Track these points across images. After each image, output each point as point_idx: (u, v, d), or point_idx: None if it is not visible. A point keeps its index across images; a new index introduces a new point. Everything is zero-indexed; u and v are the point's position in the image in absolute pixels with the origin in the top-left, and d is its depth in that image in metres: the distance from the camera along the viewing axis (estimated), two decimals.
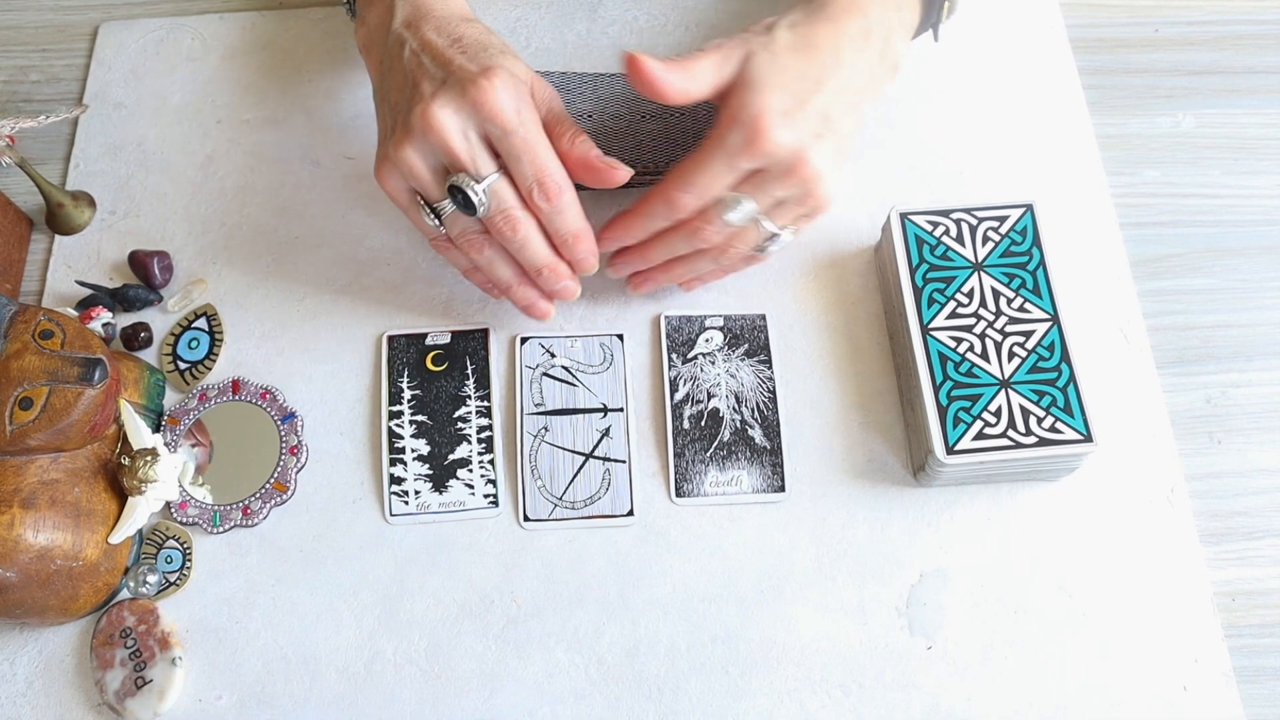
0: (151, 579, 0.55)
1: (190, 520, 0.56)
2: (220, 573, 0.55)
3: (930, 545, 0.55)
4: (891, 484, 0.57)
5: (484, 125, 0.50)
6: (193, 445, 0.58)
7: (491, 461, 0.57)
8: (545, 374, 0.59)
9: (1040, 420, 0.52)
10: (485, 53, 0.51)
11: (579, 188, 0.60)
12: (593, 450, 0.57)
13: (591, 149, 0.52)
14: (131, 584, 0.55)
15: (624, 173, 0.52)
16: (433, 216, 0.53)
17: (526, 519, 0.56)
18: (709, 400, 0.58)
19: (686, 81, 0.50)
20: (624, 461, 0.57)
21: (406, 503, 0.56)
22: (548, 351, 0.60)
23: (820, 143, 0.51)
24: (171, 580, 0.55)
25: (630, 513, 0.56)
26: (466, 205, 0.51)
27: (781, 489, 0.56)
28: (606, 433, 0.58)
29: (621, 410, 0.58)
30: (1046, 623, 0.53)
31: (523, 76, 0.51)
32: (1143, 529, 0.55)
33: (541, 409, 0.58)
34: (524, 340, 0.60)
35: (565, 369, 0.59)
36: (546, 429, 0.58)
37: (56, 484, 0.52)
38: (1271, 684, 0.53)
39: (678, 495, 0.56)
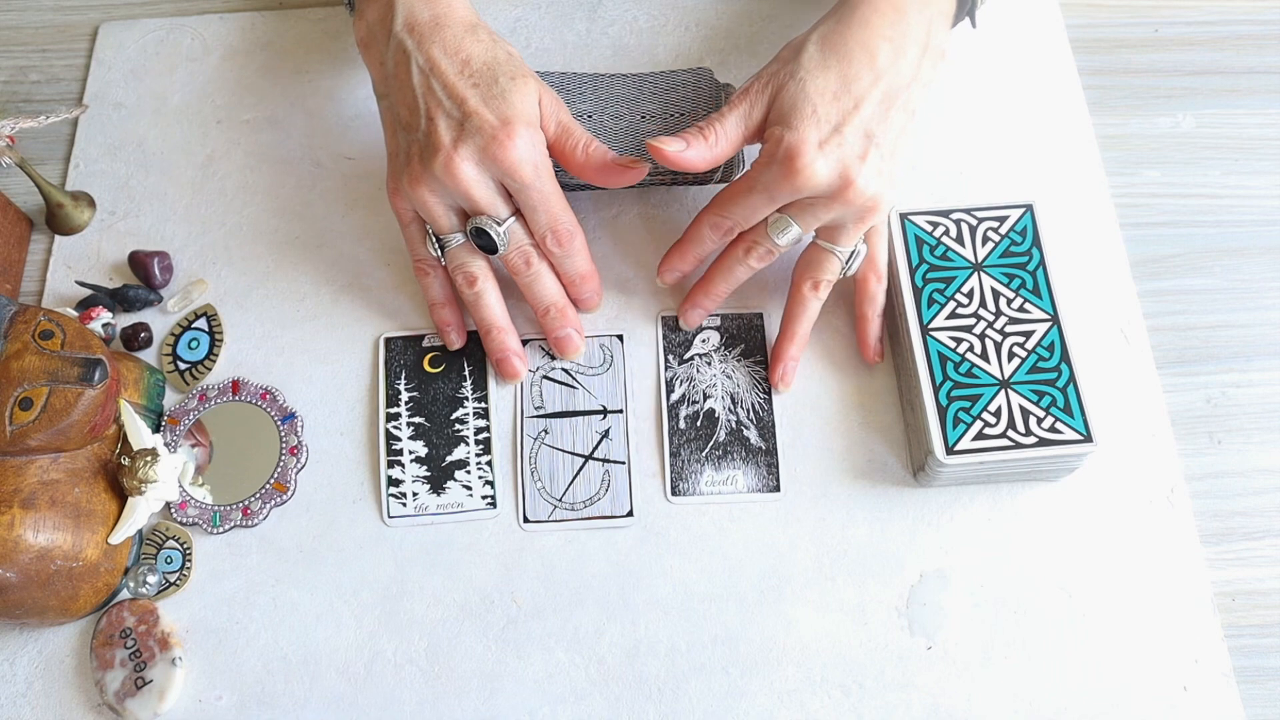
0: (151, 579, 0.55)
1: (190, 520, 0.56)
2: (220, 573, 0.55)
3: (930, 545, 0.55)
4: (891, 484, 0.57)
5: (502, 177, 0.52)
6: (193, 445, 0.58)
7: (489, 463, 0.57)
8: (545, 376, 0.59)
9: (1040, 420, 0.52)
10: (498, 86, 0.52)
11: (589, 187, 0.61)
12: (592, 452, 0.57)
13: (606, 153, 0.54)
14: (131, 584, 0.55)
15: (642, 168, 0.54)
16: (436, 246, 0.55)
17: (526, 520, 0.56)
18: (705, 401, 0.58)
19: (709, 150, 0.53)
20: (623, 463, 0.57)
21: (404, 504, 0.56)
22: (547, 354, 0.60)
23: (864, 162, 0.51)
24: (171, 580, 0.55)
25: (630, 513, 0.56)
26: (484, 241, 0.54)
27: (776, 489, 0.56)
28: (606, 434, 0.58)
29: (621, 412, 0.58)
30: (1046, 623, 0.53)
31: (530, 102, 0.52)
32: (1143, 529, 0.55)
33: (542, 411, 0.58)
34: (525, 343, 0.60)
35: (565, 371, 0.59)
36: (546, 431, 0.58)
37: (56, 484, 0.52)
38: (1271, 684, 0.53)
39: (673, 494, 0.56)
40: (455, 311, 0.59)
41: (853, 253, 0.55)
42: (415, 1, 0.54)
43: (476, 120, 0.51)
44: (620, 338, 0.60)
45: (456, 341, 0.59)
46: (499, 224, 0.53)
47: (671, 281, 0.59)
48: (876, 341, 0.58)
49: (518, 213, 0.54)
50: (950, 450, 0.52)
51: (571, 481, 0.57)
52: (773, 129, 0.51)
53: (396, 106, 0.54)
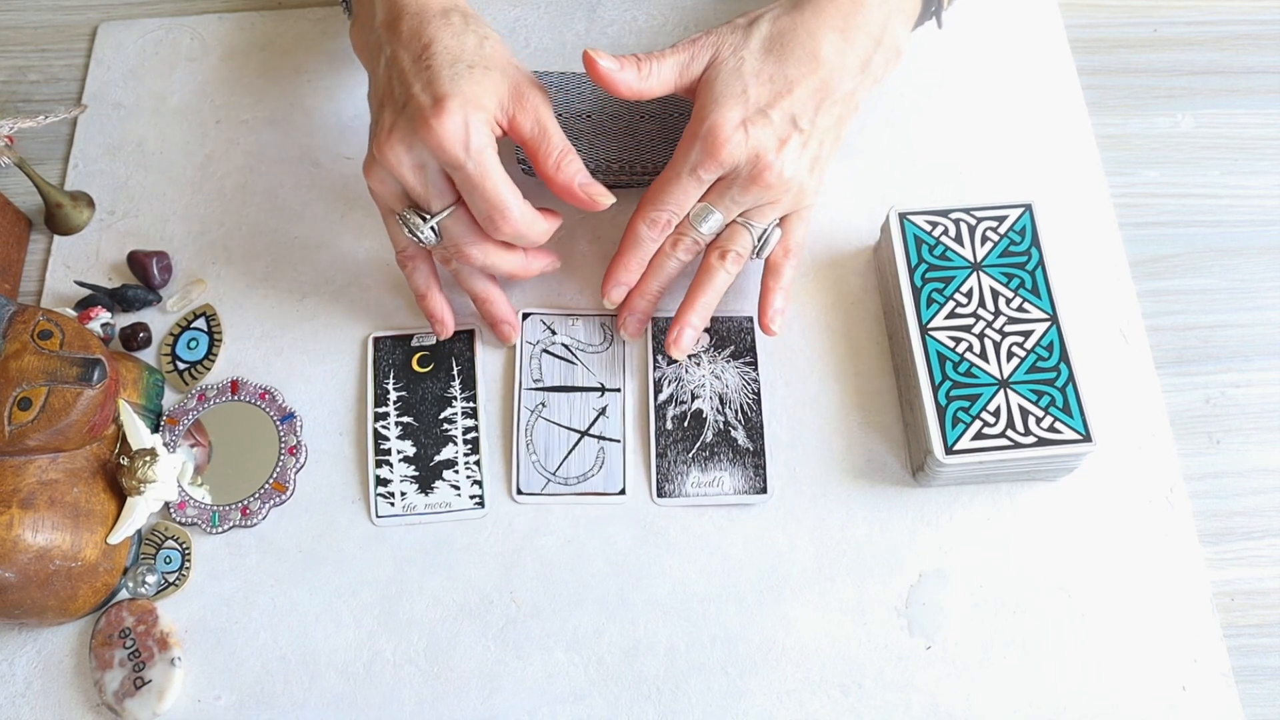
0: (150, 579, 0.55)
1: (189, 520, 0.56)
2: (219, 573, 0.55)
3: (930, 545, 0.55)
4: (891, 484, 0.56)
5: (433, 159, 0.50)
6: (192, 445, 0.58)
7: (477, 463, 0.57)
8: (545, 350, 0.59)
9: (1039, 420, 0.52)
10: (451, 70, 0.49)
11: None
12: (588, 428, 0.57)
13: (576, 175, 0.52)
14: (130, 584, 0.55)
15: (605, 202, 0.53)
16: (406, 232, 0.54)
17: (520, 492, 0.56)
18: (692, 401, 0.58)
19: (639, 81, 0.52)
20: (619, 440, 0.57)
21: (392, 504, 0.56)
22: (548, 328, 0.60)
23: (785, 146, 0.52)
24: (170, 580, 0.55)
25: (622, 490, 0.56)
26: (418, 235, 0.53)
27: (763, 490, 0.56)
28: (603, 411, 0.58)
29: (619, 390, 0.58)
30: (1046, 623, 0.53)
31: (481, 88, 0.50)
32: (1142, 529, 0.55)
33: (540, 385, 0.58)
34: (526, 316, 0.60)
35: (565, 346, 0.59)
36: (544, 405, 0.58)
37: (55, 484, 0.51)
38: (1270, 684, 0.53)
39: (659, 495, 0.56)
40: (440, 301, 0.58)
41: (765, 233, 0.55)
42: None
43: (413, 104, 0.49)
44: None
45: (444, 333, 0.59)
46: (424, 219, 0.52)
47: (618, 299, 0.57)
48: (775, 314, 0.56)
49: (459, 202, 0.52)
50: (949, 450, 0.52)
51: (566, 456, 0.57)
52: (700, 105, 0.52)
53: (371, 96, 0.54)
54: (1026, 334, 0.54)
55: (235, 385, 0.59)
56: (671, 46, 0.53)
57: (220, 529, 0.56)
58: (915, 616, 0.54)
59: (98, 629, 0.54)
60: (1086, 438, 0.52)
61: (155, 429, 0.58)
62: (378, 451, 0.57)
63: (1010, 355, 0.54)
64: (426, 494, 0.56)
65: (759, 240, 0.55)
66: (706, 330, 0.60)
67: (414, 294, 0.58)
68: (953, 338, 0.54)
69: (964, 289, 0.56)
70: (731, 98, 0.51)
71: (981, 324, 0.55)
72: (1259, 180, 0.65)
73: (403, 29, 0.52)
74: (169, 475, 0.55)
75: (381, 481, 0.57)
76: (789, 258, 0.57)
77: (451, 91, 0.49)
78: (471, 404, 0.58)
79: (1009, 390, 0.53)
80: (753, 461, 0.57)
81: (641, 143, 0.61)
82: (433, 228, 0.52)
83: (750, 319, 0.60)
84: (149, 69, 0.70)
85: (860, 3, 0.53)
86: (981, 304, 0.55)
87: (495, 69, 0.51)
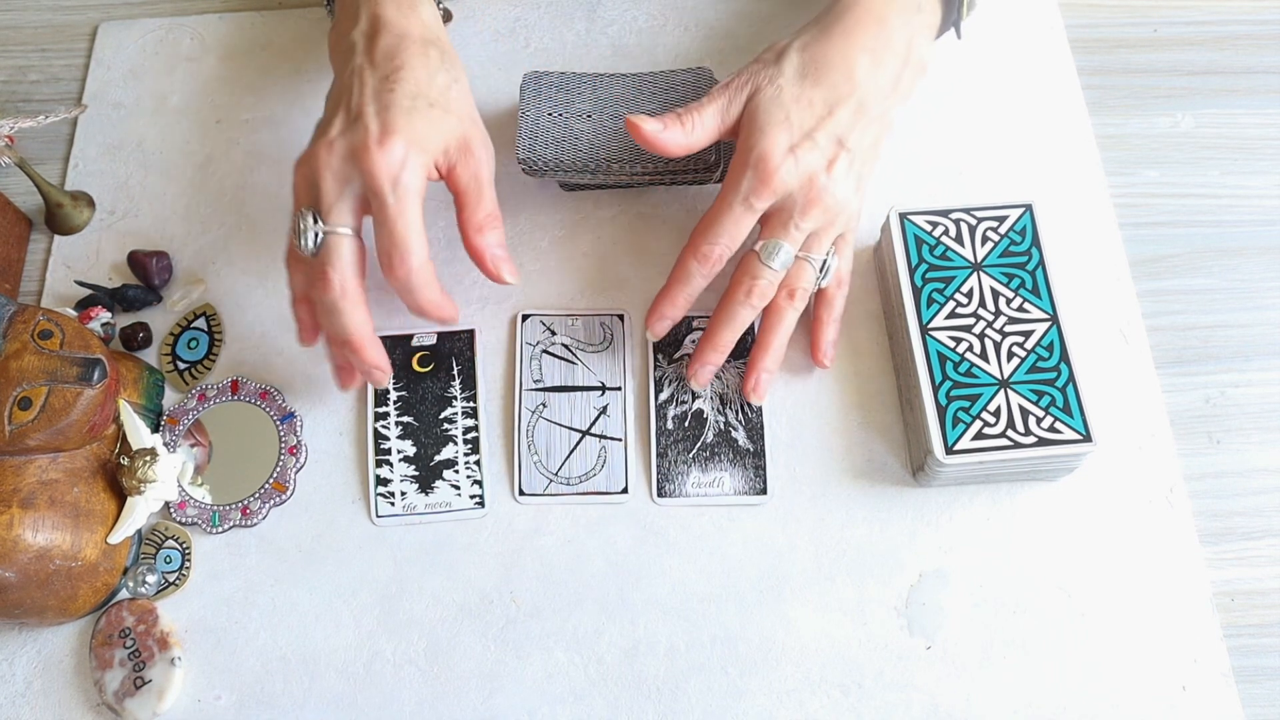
0: (150, 579, 0.55)
1: (189, 520, 0.56)
2: (219, 573, 0.55)
3: (930, 545, 0.55)
4: (890, 484, 0.56)
5: (361, 182, 0.50)
6: (192, 445, 0.58)
7: (478, 462, 0.57)
8: (545, 351, 0.59)
9: (1039, 420, 0.52)
10: (410, 102, 0.50)
11: (591, 186, 0.61)
12: (589, 427, 0.57)
13: (490, 246, 0.53)
14: (130, 584, 0.55)
15: (510, 279, 0.54)
16: (298, 228, 0.52)
17: (522, 493, 0.56)
18: (693, 401, 0.58)
19: (685, 136, 0.53)
20: (620, 439, 0.57)
21: (392, 504, 0.56)
22: (548, 329, 0.60)
23: (834, 167, 0.52)
24: (171, 580, 0.55)
25: (625, 489, 0.56)
26: (301, 238, 0.51)
27: (763, 491, 0.56)
28: (604, 411, 0.58)
29: (620, 389, 0.58)
30: (1046, 623, 0.53)
31: (432, 131, 0.50)
32: (1142, 529, 0.55)
33: (540, 385, 0.58)
34: (525, 317, 0.60)
35: (565, 346, 0.59)
36: (545, 405, 0.58)
37: (55, 484, 0.51)
38: (1270, 684, 0.53)
39: (659, 495, 0.56)
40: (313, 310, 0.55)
41: (825, 261, 0.55)
42: (383, 9, 0.53)
43: (362, 124, 0.50)
44: (621, 317, 0.60)
45: (308, 341, 0.56)
46: (317, 222, 0.50)
47: (662, 333, 0.56)
48: (829, 346, 0.57)
49: (358, 235, 0.51)
50: (949, 450, 0.52)
51: (568, 456, 0.57)
52: (746, 136, 0.52)
53: (328, 99, 0.54)
54: (1027, 334, 0.54)
55: (235, 385, 0.59)
56: (708, 94, 0.53)
57: (220, 529, 0.56)
58: (915, 616, 0.54)
59: (98, 629, 0.54)
60: (1087, 438, 0.52)
61: (155, 429, 0.58)
62: (378, 451, 0.57)
63: (1010, 355, 0.54)
64: (426, 494, 0.57)
65: (820, 271, 0.55)
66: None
67: (291, 295, 0.55)
68: (953, 338, 0.54)
69: (964, 289, 0.56)
70: (776, 125, 0.51)
71: (982, 324, 0.55)
72: (1259, 180, 0.65)
73: (379, 45, 0.52)
74: (169, 475, 0.55)
75: (381, 481, 0.57)
76: (841, 287, 0.57)
77: (402, 127, 0.49)
78: (472, 404, 0.58)
79: (1009, 390, 0.53)
80: (753, 462, 0.57)
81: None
82: (324, 233, 0.50)
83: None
84: (149, 69, 0.70)
85: (885, 23, 0.53)
86: (982, 304, 0.55)
87: (454, 115, 0.51)
